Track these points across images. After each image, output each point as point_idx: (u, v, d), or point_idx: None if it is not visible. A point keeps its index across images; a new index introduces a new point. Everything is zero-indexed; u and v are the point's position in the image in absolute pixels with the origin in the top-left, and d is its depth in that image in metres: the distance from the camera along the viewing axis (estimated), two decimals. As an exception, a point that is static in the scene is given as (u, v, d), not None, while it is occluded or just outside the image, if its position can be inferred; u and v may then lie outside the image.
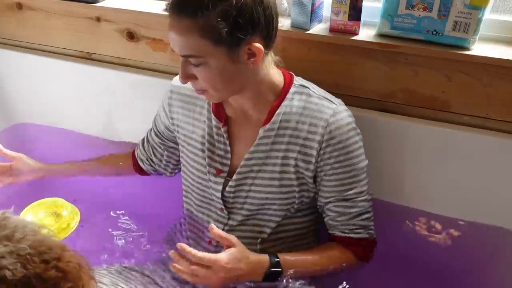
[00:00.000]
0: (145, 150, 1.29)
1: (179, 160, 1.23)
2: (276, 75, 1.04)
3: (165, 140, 1.23)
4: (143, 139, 1.30)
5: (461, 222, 1.27)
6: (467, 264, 1.30)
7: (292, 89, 1.04)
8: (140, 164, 1.31)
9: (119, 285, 1.08)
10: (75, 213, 1.27)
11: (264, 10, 0.90)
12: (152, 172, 1.32)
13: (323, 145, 1.01)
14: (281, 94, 1.03)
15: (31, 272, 0.54)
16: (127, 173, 1.36)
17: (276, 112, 1.02)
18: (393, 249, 1.25)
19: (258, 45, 0.91)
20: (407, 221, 1.32)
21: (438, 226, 1.30)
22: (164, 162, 1.26)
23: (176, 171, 1.29)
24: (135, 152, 1.32)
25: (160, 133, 1.23)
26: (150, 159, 1.28)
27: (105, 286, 1.04)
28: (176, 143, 1.20)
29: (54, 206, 1.29)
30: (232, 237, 0.98)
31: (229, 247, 0.97)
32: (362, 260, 1.11)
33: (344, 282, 1.08)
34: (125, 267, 1.17)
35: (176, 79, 1.14)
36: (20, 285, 0.53)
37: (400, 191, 1.29)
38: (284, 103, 1.03)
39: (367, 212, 1.08)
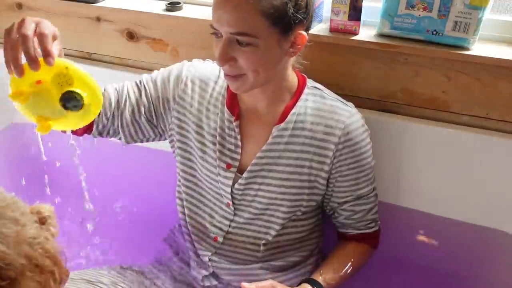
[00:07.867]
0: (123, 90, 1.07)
1: (144, 135, 1.12)
2: (292, 75, 1.03)
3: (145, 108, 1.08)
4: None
5: (460, 224, 1.26)
6: (465, 266, 1.30)
7: (306, 90, 1.03)
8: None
9: (119, 285, 1.07)
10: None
11: None
12: (104, 121, 1.11)
13: (340, 146, 1.01)
14: (296, 94, 1.03)
15: None
16: None
17: (291, 112, 1.01)
18: (392, 250, 1.25)
19: (305, 33, 0.91)
20: (406, 222, 1.32)
21: (437, 227, 1.30)
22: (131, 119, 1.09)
23: (132, 142, 1.14)
24: (112, 87, 1.09)
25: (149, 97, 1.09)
26: (117, 101, 1.06)
27: (105, 286, 1.04)
28: (152, 124, 1.09)
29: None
30: (267, 282, 0.95)
31: None
32: (375, 248, 1.15)
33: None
34: (125, 267, 1.17)
35: (196, 61, 1.10)
36: None
37: (399, 191, 1.29)
38: (299, 103, 1.02)
39: (375, 206, 1.12)
